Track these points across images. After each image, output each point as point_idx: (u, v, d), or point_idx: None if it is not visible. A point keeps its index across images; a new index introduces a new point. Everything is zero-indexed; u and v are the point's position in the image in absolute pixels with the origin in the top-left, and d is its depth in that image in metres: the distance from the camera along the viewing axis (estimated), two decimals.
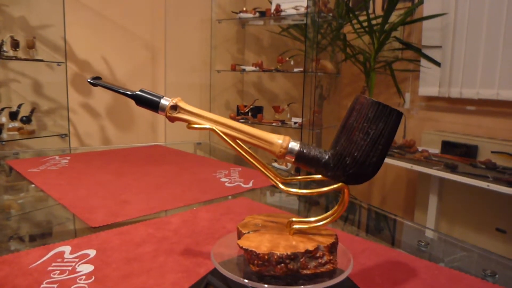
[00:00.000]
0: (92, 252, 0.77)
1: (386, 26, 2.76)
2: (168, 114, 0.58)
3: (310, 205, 1.21)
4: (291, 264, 0.51)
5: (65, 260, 0.74)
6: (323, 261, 0.52)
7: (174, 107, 0.58)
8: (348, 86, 3.37)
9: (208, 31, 3.30)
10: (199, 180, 1.34)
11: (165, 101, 0.58)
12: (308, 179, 0.62)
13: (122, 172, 1.40)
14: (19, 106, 2.40)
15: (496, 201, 2.23)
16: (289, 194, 0.62)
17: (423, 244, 0.83)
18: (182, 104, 0.58)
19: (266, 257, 0.51)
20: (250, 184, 1.28)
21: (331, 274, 0.54)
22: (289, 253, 0.51)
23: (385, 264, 0.74)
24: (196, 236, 0.86)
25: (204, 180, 1.34)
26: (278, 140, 0.57)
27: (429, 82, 2.75)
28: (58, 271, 0.70)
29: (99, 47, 2.90)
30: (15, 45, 2.32)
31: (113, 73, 2.98)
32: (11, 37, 2.32)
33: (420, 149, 2.49)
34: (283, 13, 2.95)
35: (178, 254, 0.77)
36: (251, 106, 3.13)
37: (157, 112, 0.59)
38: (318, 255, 0.52)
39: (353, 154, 0.54)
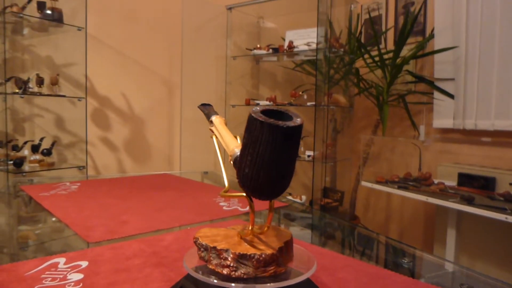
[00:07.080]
0: (84, 263, 0.81)
1: (398, 60, 2.80)
2: (209, 126, 0.76)
3: (319, 234, 1.21)
4: (203, 253, 0.60)
5: (59, 269, 0.78)
6: (223, 263, 0.57)
7: (211, 122, 0.75)
8: (363, 120, 3.40)
9: (223, 67, 3.41)
10: (199, 204, 1.37)
11: (212, 118, 0.76)
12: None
13: (126, 197, 1.45)
14: (41, 139, 2.52)
15: None
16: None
17: (405, 261, 0.84)
18: (215, 121, 0.75)
19: (194, 239, 0.64)
20: (247, 208, 1.30)
21: (288, 276, 0.57)
22: (204, 243, 0.60)
23: (363, 278, 0.75)
24: (185, 252, 0.89)
25: (203, 204, 1.37)
26: (234, 147, 0.62)
27: (443, 114, 2.74)
28: (50, 278, 0.74)
29: (119, 84, 3.04)
30: (40, 82, 2.46)
31: (131, 108, 3.10)
32: (37, 74, 2.47)
33: (436, 181, 2.46)
34: (295, 49, 3.04)
35: (164, 266, 0.80)
36: None
37: None
38: (222, 256, 0.57)
39: (236, 162, 0.56)
